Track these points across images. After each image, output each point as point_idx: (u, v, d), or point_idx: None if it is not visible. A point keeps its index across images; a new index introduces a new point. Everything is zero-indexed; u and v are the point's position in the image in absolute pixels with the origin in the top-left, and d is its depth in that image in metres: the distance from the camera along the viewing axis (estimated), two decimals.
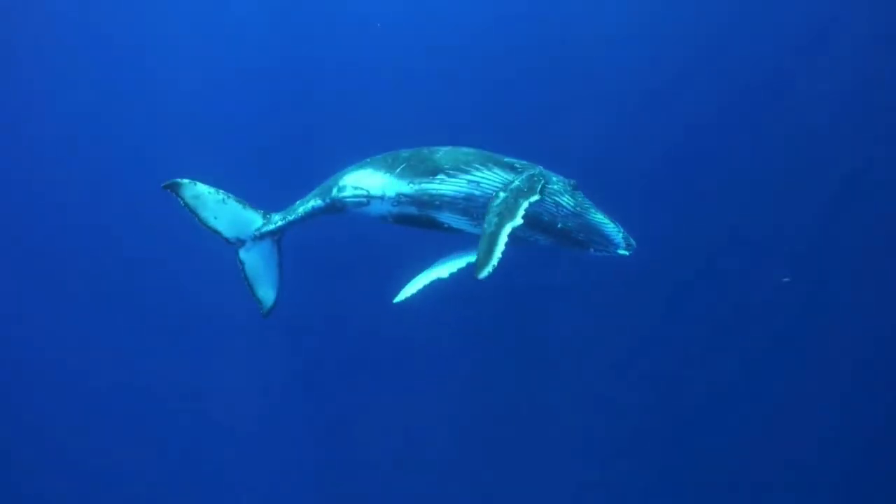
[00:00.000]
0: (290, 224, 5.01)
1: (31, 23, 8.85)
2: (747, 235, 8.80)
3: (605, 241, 4.48)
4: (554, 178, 4.52)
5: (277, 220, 5.02)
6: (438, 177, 4.46)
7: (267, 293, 5.15)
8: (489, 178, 4.39)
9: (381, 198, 4.59)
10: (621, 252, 4.48)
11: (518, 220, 3.96)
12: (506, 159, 4.55)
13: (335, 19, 9.31)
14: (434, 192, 4.44)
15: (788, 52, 8.93)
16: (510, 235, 3.92)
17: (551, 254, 4.75)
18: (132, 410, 8.91)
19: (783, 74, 8.94)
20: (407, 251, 4.53)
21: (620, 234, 4.48)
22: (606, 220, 4.49)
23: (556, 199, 4.41)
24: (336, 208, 4.89)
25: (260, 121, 8.88)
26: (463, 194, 4.40)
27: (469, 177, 4.36)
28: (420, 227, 4.70)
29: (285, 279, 5.18)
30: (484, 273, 3.80)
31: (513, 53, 9.09)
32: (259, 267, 5.10)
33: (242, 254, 5.07)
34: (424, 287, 4.33)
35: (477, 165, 4.42)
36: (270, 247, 5.12)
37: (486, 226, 4.03)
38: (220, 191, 4.83)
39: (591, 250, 4.50)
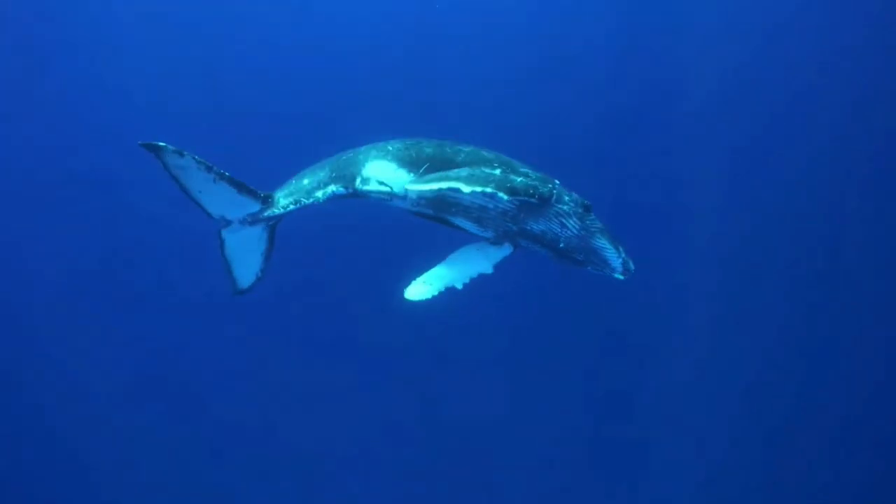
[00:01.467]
0: (302, 209, 4.72)
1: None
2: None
3: (604, 264, 4.54)
4: (566, 198, 4.49)
5: (286, 204, 4.68)
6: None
7: (243, 275, 4.84)
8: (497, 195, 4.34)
9: (404, 197, 4.56)
10: (617, 276, 4.55)
11: (467, 188, 4.17)
12: (522, 169, 4.53)
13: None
14: (452, 200, 4.44)
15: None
16: (448, 189, 4.22)
17: (546, 263, 4.72)
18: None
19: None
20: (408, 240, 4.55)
21: (620, 260, 4.51)
22: (609, 246, 4.50)
23: (563, 220, 4.45)
24: (356, 197, 4.77)
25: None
26: (478, 205, 4.43)
27: (487, 190, 4.27)
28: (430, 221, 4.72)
29: (272, 266, 4.90)
30: (412, 188, 4.36)
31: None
32: (240, 250, 4.77)
33: (225, 233, 4.74)
34: (438, 292, 4.42)
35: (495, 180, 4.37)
36: (261, 233, 4.81)
37: (452, 171, 4.34)
38: (213, 168, 4.30)
39: (589, 268, 4.57)
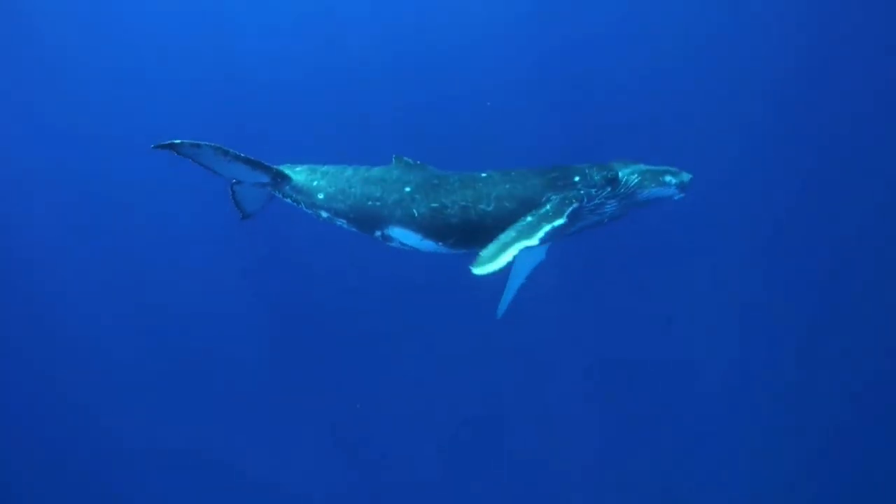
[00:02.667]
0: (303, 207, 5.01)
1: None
2: None
3: (658, 202, 4.54)
4: (593, 191, 4.44)
5: (289, 194, 5.00)
6: (489, 242, 4.26)
7: (249, 210, 5.31)
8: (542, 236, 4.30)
9: (433, 254, 4.67)
10: (677, 198, 4.55)
11: (534, 242, 4.05)
12: (547, 193, 4.44)
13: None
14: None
15: None
16: (524, 249, 4.04)
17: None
18: None
19: None
20: None
21: (671, 189, 4.47)
22: (652, 187, 4.45)
23: (597, 211, 4.48)
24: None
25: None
26: None
27: (547, 231, 4.24)
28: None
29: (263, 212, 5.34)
30: (481, 271, 3.90)
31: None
32: (247, 197, 5.23)
33: (236, 187, 5.13)
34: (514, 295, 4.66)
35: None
36: (266, 193, 5.21)
37: (503, 234, 4.14)
38: (229, 152, 4.57)
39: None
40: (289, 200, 5.02)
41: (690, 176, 4.47)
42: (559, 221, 4.12)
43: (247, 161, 4.66)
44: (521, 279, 4.74)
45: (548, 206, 4.27)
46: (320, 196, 4.78)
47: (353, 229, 4.77)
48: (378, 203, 4.58)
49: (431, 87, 9.31)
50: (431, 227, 4.47)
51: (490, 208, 4.38)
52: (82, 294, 8.94)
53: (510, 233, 4.10)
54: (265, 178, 4.91)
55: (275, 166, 4.95)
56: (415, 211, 4.49)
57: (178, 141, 4.35)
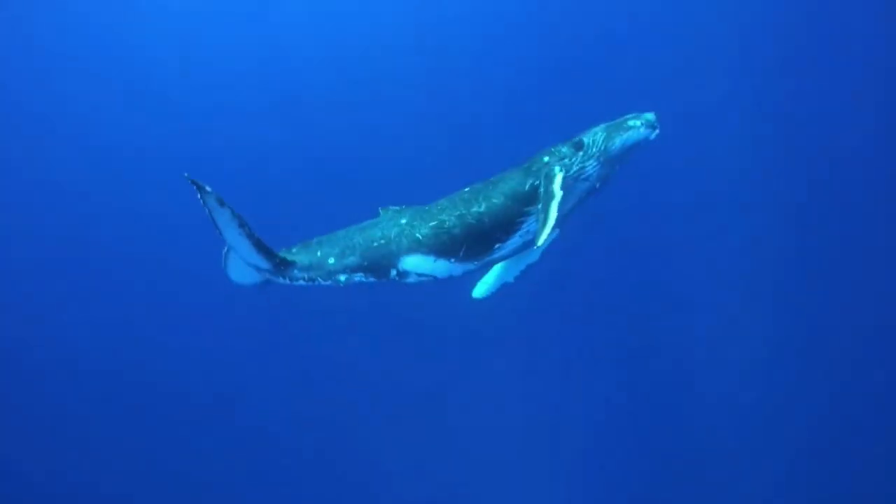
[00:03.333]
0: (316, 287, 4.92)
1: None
2: None
3: (637, 148, 4.64)
4: (566, 161, 4.58)
5: (299, 277, 4.86)
6: (496, 246, 4.65)
7: (237, 275, 5.08)
8: (531, 222, 4.57)
9: (449, 277, 4.72)
10: (652, 138, 4.61)
11: (552, 222, 4.29)
12: (528, 181, 4.62)
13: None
14: (498, 257, 4.74)
15: None
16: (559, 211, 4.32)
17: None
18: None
19: None
20: None
21: (640, 131, 4.57)
22: (622, 137, 4.57)
23: (581, 177, 4.60)
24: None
25: None
26: (520, 244, 4.72)
27: (521, 230, 4.57)
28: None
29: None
30: (541, 241, 4.24)
31: None
32: (239, 269, 5.01)
33: (231, 254, 4.90)
34: (496, 288, 4.72)
35: (523, 214, 4.58)
36: (261, 278, 5.05)
37: (539, 216, 4.39)
38: (245, 225, 4.51)
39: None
40: (301, 282, 4.90)
41: (653, 113, 4.58)
42: (558, 195, 4.31)
43: (256, 242, 4.58)
44: (510, 277, 4.83)
45: (541, 191, 4.42)
46: (331, 261, 4.79)
47: (372, 279, 4.80)
48: (382, 241, 4.71)
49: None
50: (438, 245, 4.61)
51: (482, 208, 4.57)
52: None
53: (540, 216, 4.37)
54: (265, 265, 4.77)
55: (279, 254, 4.83)
56: (418, 234, 4.65)
57: (208, 188, 4.23)
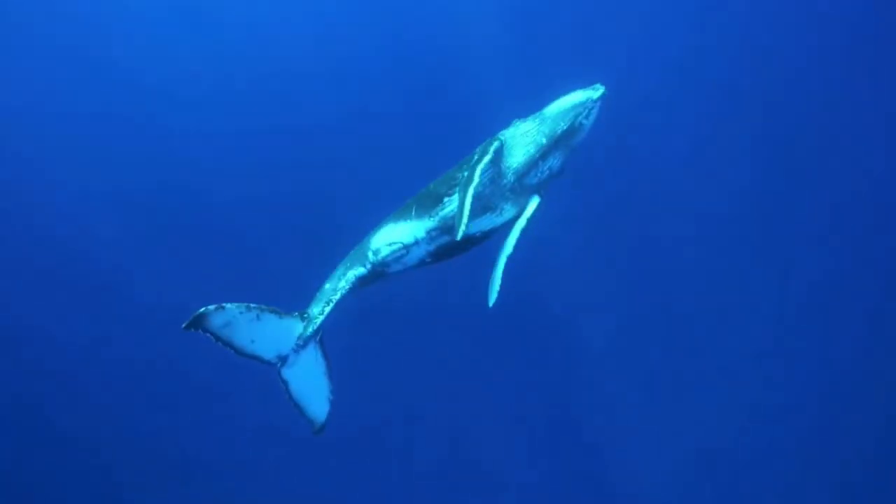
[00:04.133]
0: (331, 312, 4.62)
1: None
2: None
3: (586, 111, 4.33)
4: (520, 139, 4.39)
5: (317, 313, 4.60)
6: (444, 200, 4.46)
7: (317, 410, 4.67)
8: (479, 173, 4.28)
9: (416, 242, 4.57)
10: (598, 98, 4.29)
11: (475, 182, 4.13)
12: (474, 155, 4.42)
13: None
14: (451, 213, 4.43)
15: None
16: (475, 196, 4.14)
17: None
18: None
19: None
20: None
21: (583, 103, 4.30)
22: (560, 109, 4.36)
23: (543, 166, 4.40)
24: (377, 274, 4.76)
25: None
26: (484, 184, 4.40)
27: (487, 158, 4.30)
28: (455, 256, 4.71)
29: (336, 384, 4.75)
30: (459, 234, 4.04)
31: None
32: (306, 382, 4.62)
33: (286, 372, 4.56)
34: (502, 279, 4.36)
35: (462, 171, 4.40)
36: (314, 351, 4.64)
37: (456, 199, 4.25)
38: (252, 305, 4.26)
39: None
40: (321, 314, 4.67)
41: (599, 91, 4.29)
42: (487, 158, 4.21)
43: (272, 311, 4.42)
44: (505, 255, 4.42)
45: (474, 156, 4.34)
46: (327, 285, 4.82)
47: (360, 269, 4.79)
48: (358, 245, 4.85)
49: None
50: (397, 215, 4.69)
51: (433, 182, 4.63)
52: None
53: (458, 194, 4.22)
54: (298, 326, 4.62)
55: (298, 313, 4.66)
56: (382, 221, 4.79)
57: (202, 311, 4.08)
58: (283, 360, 4.54)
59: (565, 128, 4.32)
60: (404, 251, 4.63)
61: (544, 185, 4.48)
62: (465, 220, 4.03)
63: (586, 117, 4.32)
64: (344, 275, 4.77)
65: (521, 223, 4.35)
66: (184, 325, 4.04)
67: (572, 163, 4.55)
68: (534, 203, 4.38)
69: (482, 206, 4.37)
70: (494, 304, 4.28)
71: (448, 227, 4.44)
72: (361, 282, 4.77)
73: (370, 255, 4.71)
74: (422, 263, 4.71)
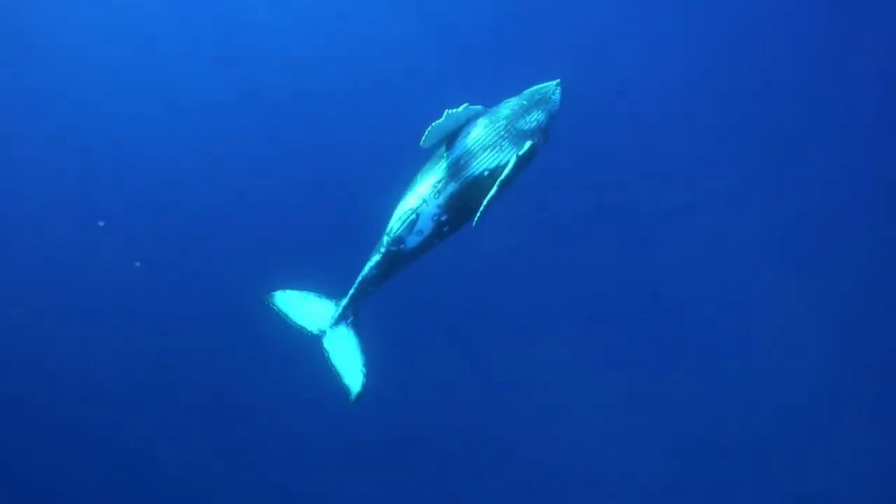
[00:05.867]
0: (353, 299, 5.16)
1: None
2: None
3: (554, 92, 4.85)
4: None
5: (344, 299, 5.19)
6: (444, 154, 4.81)
7: (353, 381, 5.18)
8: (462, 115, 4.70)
9: (425, 202, 4.83)
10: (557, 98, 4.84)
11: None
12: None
13: None
14: (452, 160, 4.78)
15: None
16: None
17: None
18: None
19: None
20: None
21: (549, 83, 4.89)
22: (533, 89, 4.89)
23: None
24: (396, 255, 5.04)
25: None
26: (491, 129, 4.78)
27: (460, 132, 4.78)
28: (466, 212, 4.79)
29: (370, 361, 5.20)
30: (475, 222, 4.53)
31: None
32: (342, 354, 5.22)
33: (326, 343, 5.24)
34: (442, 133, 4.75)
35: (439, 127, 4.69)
36: (346, 331, 5.22)
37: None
38: (302, 291, 5.22)
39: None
40: (347, 296, 5.18)
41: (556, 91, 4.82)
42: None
43: (316, 294, 5.26)
44: (499, 182, 4.67)
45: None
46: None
47: (381, 247, 5.09)
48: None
49: None
50: (402, 192, 5.00)
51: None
52: None
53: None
54: (332, 306, 5.25)
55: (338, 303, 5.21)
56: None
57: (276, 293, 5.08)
58: (323, 333, 5.25)
59: (538, 98, 4.83)
60: (414, 216, 4.87)
61: (535, 135, 4.75)
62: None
63: (554, 93, 4.84)
64: (367, 261, 5.17)
65: (514, 159, 4.61)
66: (263, 300, 5.08)
67: (554, 130, 4.96)
68: (527, 145, 4.62)
69: (482, 146, 4.70)
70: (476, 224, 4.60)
71: (452, 173, 4.72)
72: (382, 266, 5.12)
73: (385, 238, 5.05)
74: (437, 228, 4.89)
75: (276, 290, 5.13)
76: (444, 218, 4.82)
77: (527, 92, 4.92)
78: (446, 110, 4.55)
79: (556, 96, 4.83)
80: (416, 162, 5.01)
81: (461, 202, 4.75)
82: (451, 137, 4.77)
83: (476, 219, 4.54)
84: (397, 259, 5.06)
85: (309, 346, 5.17)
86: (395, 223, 4.94)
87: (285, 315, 5.21)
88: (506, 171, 4.53)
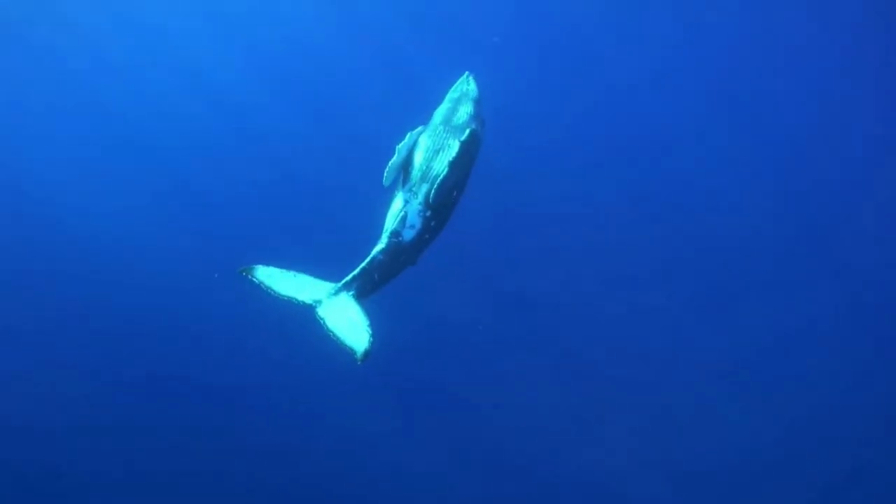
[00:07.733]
0: (357, 277, 5.16)
1: None
2: None
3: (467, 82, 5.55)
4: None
5: (349, 275, 5.19)
6: (414, 163, 5.27)
7: (357, 340, 4.96)
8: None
9: (408, 202, 5.26)
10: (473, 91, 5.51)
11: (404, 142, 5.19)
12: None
13: None
14: (418, 171, 5.26)
15: None
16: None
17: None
18: None
19: None
20: None
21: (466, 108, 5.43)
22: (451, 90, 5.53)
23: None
24: (396, 246, 5.24)
25: None
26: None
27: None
28: (447, 205, 5.32)
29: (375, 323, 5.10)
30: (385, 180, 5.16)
31: None
32: (342, 319, 5.04)
33: (321, 311, 5.07)
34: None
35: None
36: (347, 299, 5.13)
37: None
38: (290, 271, 5.08)
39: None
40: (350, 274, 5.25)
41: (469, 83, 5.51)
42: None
43: (307, 276, 5.15)
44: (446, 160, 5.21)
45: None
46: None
47: (385, 236, 5.30)
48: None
49: None
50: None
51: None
52: None
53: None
54: (328, 286, 5.20)
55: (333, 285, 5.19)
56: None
57: (256, 266, 4.94)
58: (318, 302, 5.10)
59: (458, 94, 5.54)
60: (404, 213, 5.25)
61: (471, 123, 5.36)
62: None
63: (468, 83, 5.57)
64: (374, 247, 5.32)
65: (458, 146, 5.15)
66: (239, 270, 4.96)
67: (486, 114, 5.51)
68: (467, 132, 5.17)
69: (434, 150, 5.24)
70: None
71: (421, 177, 5.21)
72: (388, 253, 5.26)
73: (384, 233, 5.32)
74: (426, 223, 5.25)
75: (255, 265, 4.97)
76: (428, 213, 5.26)
77: (448, 95, 5.57)
78: (396, 146, 5.11)
79: (472, 85, 5.56)
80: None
81: (440, 200, 5.24)
82: (408, 157, 5.30)
83: (433, 193, 5.11)
84: (399, 250, 5.27)
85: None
86: (390, 221, 5.32)
87: (267, 287, 5.01)
88: (453, 154, 5.13)
